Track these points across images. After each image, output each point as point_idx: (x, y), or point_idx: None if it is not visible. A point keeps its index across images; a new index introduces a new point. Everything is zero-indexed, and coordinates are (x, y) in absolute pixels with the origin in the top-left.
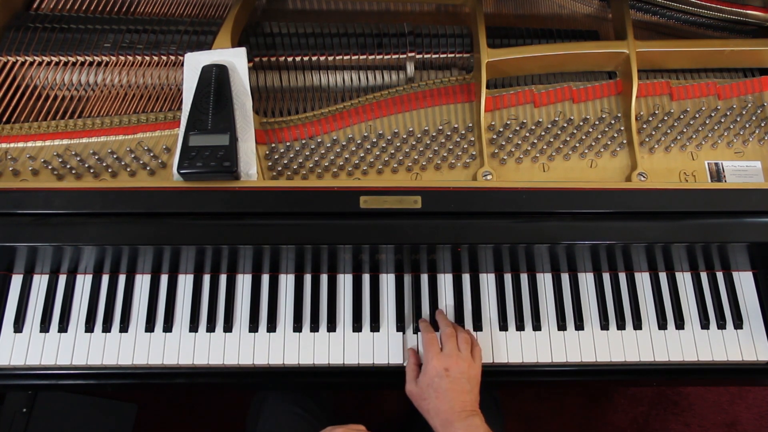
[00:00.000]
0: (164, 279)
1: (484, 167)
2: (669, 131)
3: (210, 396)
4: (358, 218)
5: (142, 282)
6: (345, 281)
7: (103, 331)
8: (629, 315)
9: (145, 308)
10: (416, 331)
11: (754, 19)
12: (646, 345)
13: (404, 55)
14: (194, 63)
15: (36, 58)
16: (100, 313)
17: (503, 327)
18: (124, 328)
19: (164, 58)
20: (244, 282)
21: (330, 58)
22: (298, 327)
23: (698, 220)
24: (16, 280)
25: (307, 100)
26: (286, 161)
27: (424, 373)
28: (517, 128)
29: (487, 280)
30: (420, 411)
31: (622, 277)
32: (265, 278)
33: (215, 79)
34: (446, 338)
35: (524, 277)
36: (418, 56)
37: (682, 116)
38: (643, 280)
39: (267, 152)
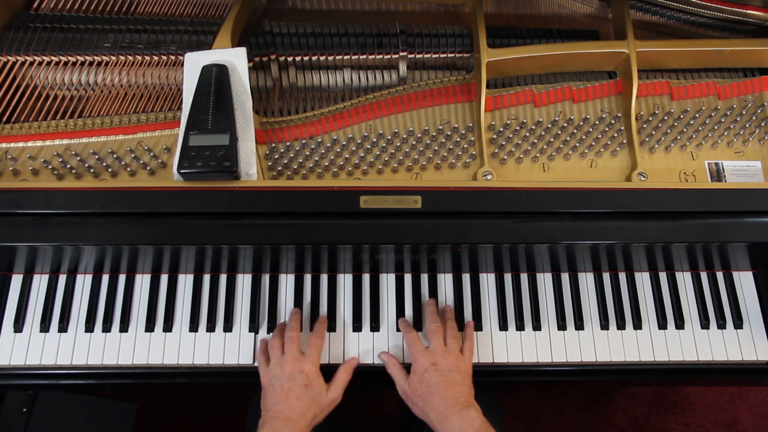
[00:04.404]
0: (164, 279)
1: (484, 167)
2: (669, 131)
3: (210, 396)
4: (358, 218)
5: (142, 282)
6: (345, 281)
7: (103, 331)
8: (629, 315)
9: (145, 308)
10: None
11: (754, 19)
12: (646, 345)
13: (404, 55)
14: (194, 63)
15: (36, 58)
16: (100, 313)
17: (503, 327)
18: (124, 327)
19: (164, 58)
20: (244, 282)
21: (330, 58)
22: None
23: (698, 220)
24: (16, 280)
25: (307, 100)
26: (286, 161)
27: (413, 372)
28: (517, 128)
29: (487, 280)
30: (416, 413)
31: (622, 276)
32: (265, 278)
33: (215, 79)
34: (432, 335)
35: (524, 277)
36: (418, 56)
37: (682, 116)
38: (643, 279)
39: (267, 152)
